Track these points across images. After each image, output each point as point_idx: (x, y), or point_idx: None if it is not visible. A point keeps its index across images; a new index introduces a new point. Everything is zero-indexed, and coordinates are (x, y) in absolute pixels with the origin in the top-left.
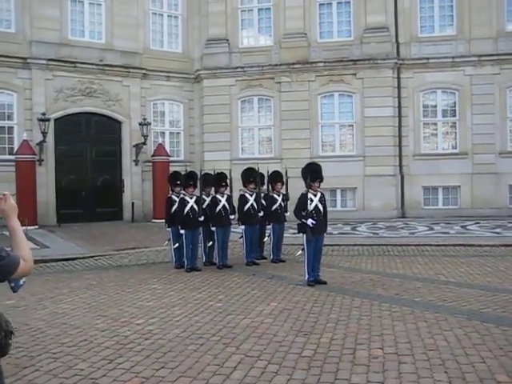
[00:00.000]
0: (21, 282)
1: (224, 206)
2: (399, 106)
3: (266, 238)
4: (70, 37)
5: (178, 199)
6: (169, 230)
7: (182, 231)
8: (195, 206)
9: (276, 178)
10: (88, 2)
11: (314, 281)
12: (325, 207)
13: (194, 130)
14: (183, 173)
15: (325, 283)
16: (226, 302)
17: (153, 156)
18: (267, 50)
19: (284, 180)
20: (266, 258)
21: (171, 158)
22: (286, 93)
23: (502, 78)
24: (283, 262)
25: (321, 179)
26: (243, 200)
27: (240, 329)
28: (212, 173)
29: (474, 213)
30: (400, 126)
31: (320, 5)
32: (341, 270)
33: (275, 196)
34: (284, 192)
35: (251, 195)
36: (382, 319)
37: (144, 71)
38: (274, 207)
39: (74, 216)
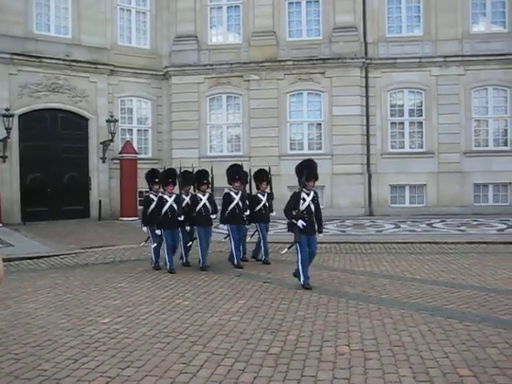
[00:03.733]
0: None
1: (205, 204)
2: (367, 105)
3: (249, 239)
4: (35, 31)
5: (156, 198)
6: (145, 229)
7: (158, 231)
8: (174, 205)
9: (261, 176)
10: None
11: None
12: (318, 206)
13: (162, 127)
14: (161, 170)
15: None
16: (194, 300)
17: (120, 153)
18: (236, 47)
19: (269, 179)
20: (247, 260)
21: (139, 156)
22: (255, 91)
23: (467, 79)
24: (260, 261)
25: (316, 178)
26: (228, 199)
27: (207, 327)
28: (191, 170)
29: (439, 211)
30: (368, 125)
31: (289, 3)
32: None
33: (259, 195)
34: (269, 191)
35: (236, 194)
36: (349, 316)
37: (111, 67)
38: (259, 207)
39: (39, 214)
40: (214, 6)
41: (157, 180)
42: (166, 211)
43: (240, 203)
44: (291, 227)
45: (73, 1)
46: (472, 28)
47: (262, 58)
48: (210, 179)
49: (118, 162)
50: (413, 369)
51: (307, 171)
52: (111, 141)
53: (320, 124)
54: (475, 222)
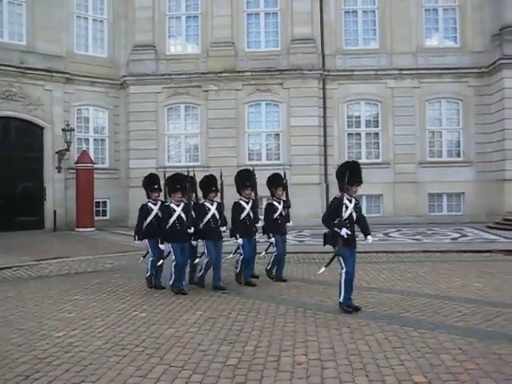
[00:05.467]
0: None
1: (214, 215)
2: (324, 116)
3: (263, 253)
4: None
5: (155, 207)
6: (137, 242)
7: (162, 246)
8: (183, 215)
9: (276, 182)
10: (7, 0)
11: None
12: (361, 212)
13: (119, 136)
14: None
15: (359, 309)
16: (151, 312)
17: (76, 163)
18: (195, 57)
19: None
20: (257, 277)
21: (96, 166)
22: (213, 101)
23: (421, 91)
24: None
25: (361, 182)
26: (238, 209)
27: (164, 339)
28: (192, 175)
29: (396, 220)
30: (325, 136)
31: (248, 15)
32: (266, 277)
33: (275, 203)
34: (284, 198)
35: (247, 203)
36: (307, 326)
37: (67, 75)
38: (275, 216)
39: None
40: (173, 15)
41: (156, 186)
42: (174, 222)
43: (251, 213)
44: (330, 239)
45: (27, 7)
46: (426, 42)
47: (221, 68)
48: (218, 186)
49: (74, 171)
50: (369, 377)
51: (351, 174)
52: (67, 150)
53: (278, 134)
54: (430, 232)
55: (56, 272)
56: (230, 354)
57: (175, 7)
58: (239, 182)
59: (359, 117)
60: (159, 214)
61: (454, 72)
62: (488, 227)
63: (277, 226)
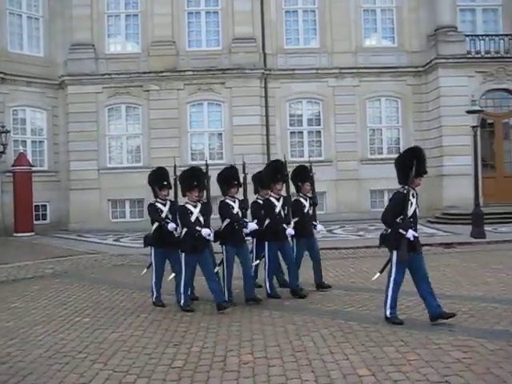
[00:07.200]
0: None
1: (237, 214)
2: (267, 115)
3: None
4: None
5: (165, 208)
6: (150, 250)
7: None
8: (201, 218)
9: (303, 175)
10: None
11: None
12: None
13: (58, 138)
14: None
15: (453, 315)
16: (94, 317)
17: (13, 166)
18: (135, 57)
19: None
20: (261, 286)
21: (34, 168)
22: (155, 101)
23: (361, 90)
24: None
25: (426, 172)
26: (268, 206)
27: (108, 343)
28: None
29: (339, 217)
30: (268, 135)
31: (188, 13)
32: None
33: (302, 200)
34: (310, 195)
35: (278, 200)
36: (252, 324)
37: (1, 75)
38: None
39: None
40: (112, 14)
41: (165, 183)
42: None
43: (282, 212)
44: (389, 240)
45: None
46: (365, 42)
47: (162, 67)
48: (241, 180)
49: (10, 175)
50: (315, 372)
51: (418, 163)
52: (2, 153)
53: (221, 134)
54: (372, 227)
55: None
56: (176, 356)
57: (114, 5)
58: (268, 176)
59: (301, 115)
60: (169, 217)
61: (393, 71)
62: (429, 222)
63: (303, 227)
